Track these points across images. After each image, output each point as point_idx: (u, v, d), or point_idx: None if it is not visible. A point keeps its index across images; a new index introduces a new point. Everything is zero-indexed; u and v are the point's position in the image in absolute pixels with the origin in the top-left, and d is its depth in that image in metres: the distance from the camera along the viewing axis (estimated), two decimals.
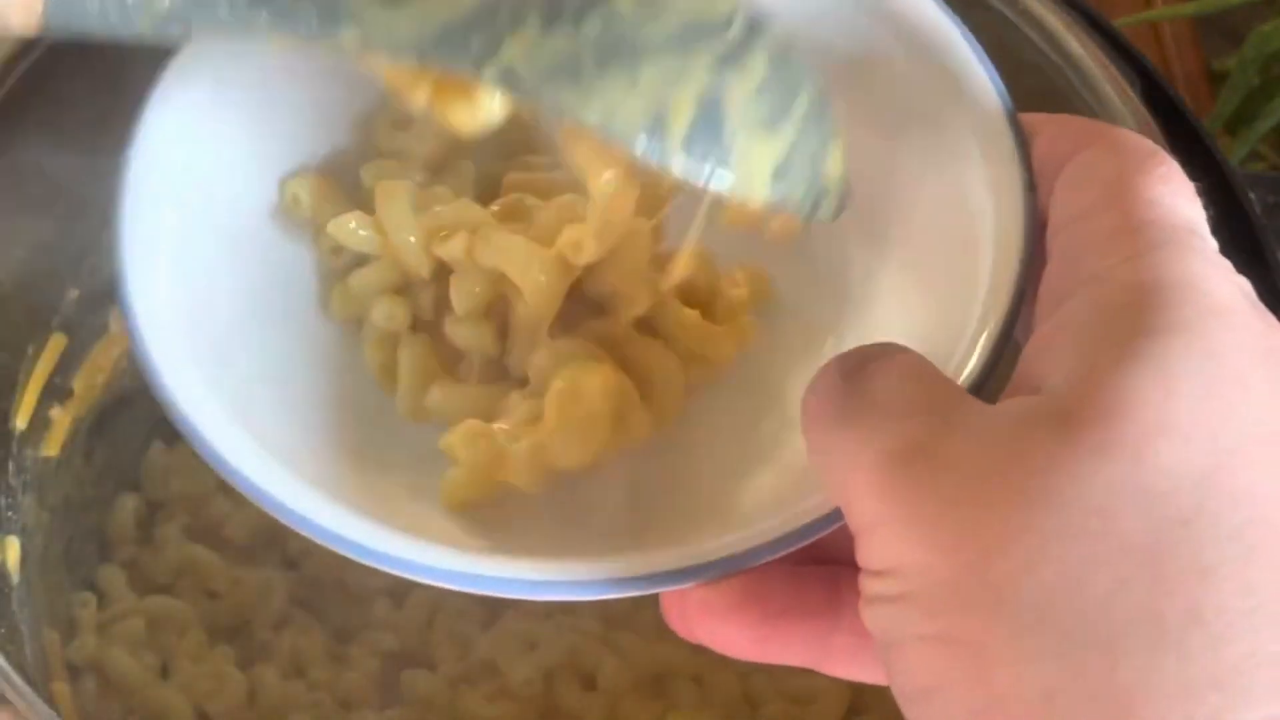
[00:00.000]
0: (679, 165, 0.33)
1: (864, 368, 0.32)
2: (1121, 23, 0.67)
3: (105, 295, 0.54)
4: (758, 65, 0.34)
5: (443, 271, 0.40)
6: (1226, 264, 0.31)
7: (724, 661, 0.55)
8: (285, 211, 0.41)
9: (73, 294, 0.56)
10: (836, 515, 0.33)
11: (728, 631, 0.34)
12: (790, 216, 0.37)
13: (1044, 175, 0.35)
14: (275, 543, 0.61)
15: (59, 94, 0.51)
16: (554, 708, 0.58)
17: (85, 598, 0.59)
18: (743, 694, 0.58)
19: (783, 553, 0.34)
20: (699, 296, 0.41)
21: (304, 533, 0.34)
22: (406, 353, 0.40)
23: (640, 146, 0.33)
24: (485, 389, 0.40)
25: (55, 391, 0.57)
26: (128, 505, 0.61)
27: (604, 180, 0.37)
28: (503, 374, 0.40)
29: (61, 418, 0.57)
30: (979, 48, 0.38)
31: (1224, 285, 0.30)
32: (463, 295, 0.40)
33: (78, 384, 0.57)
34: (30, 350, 0.56)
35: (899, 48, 0.39)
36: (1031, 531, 0.28)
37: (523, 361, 0.40)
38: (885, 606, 0.30)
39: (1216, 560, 0.27)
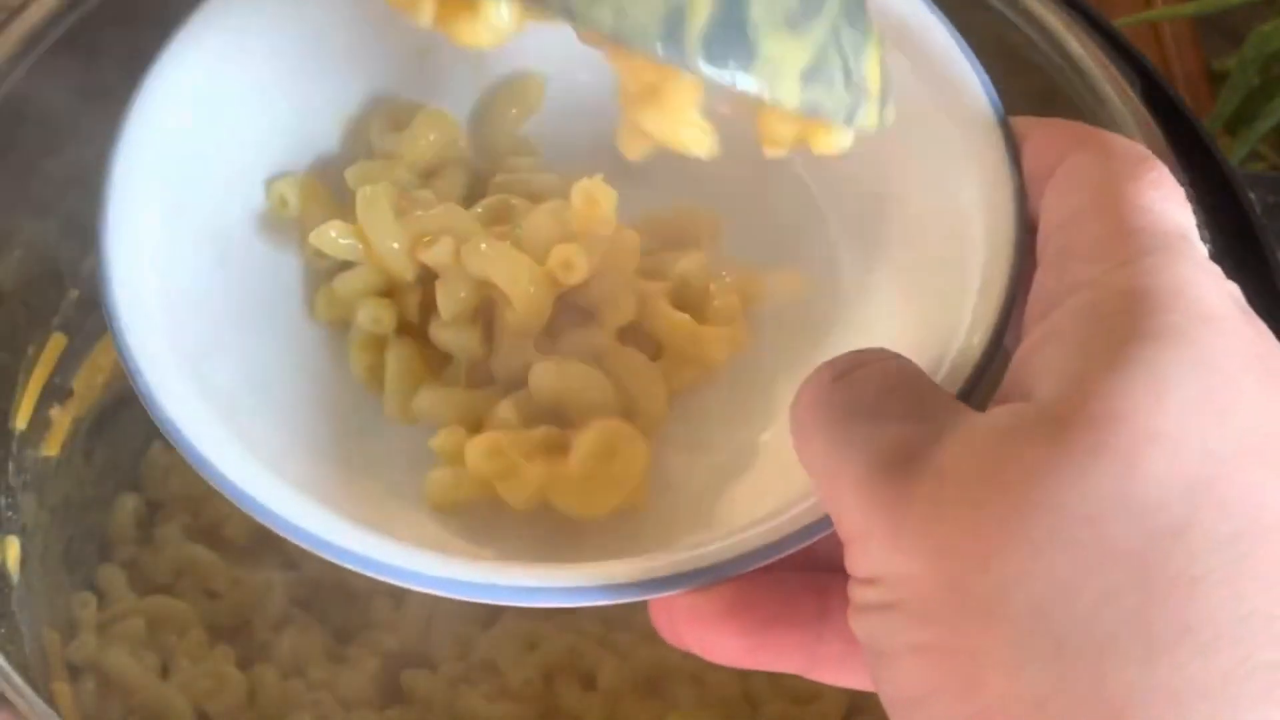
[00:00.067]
0: (699, 65, 0.31)
1: (853, 373, 0.32)
2: (1121, 23, 0.67)
3: None
4: None
5: (428, 275, 0.40)
6: (1216, 270, 0.31)
7: None
8: (272, 213, 0.41)
9: (73, 294, 0.56)
10: (826, 522, 0.33)
11: (717, 638, 0.34)
12: (827, 125, 0.34)
13: (1034, 180, 0.35)
14: (275, 543, 0.60)
15: (59, 94, 0.51)
16: (554, 708, 0.58)
17: (85, 598, 0.58)
18: (742, 694, 0.58)
19: (772, 560, 0.34)
20: (690, 299, 0.41)
21: (291, 539, 0.34)
22: (393, 356, 0.40)
23: (658, 50, 0.31)
24: (472, 393, 0.40)
25: (55, 391, 0.57)
26: (128, 505, 0.61)
27: (582, 187, 0.37)
28: (488, 377, 0.40)
29: (61, 418, 0.57)
30: (969, 51, 0.38)
31: (1214, 292, 0.30)
32: (449, 300, 0.40)
33: (78, 384, 0.57)
34: (30, 350, 0.56)
35: (889, 52, 0.39)
36: (1021, 540, 0.27)
37: (509, 366, 0.40)
38: (874, 615, 0.30)
39: (1207, 569, 0.27)
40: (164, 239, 0.38)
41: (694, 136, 0.34)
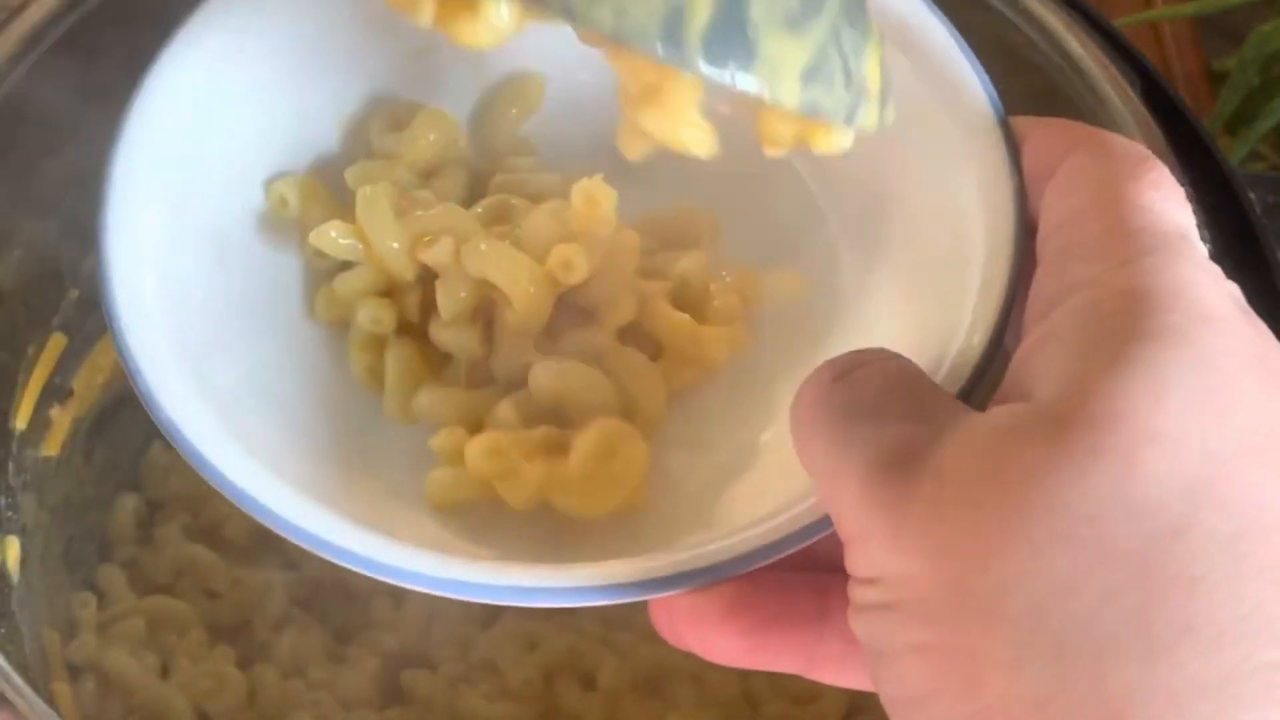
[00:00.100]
0: (701, 66, 0.31)
1: (854, 373, 0.32)
2: (1121, 23, 0.67)
3: None
4: None
5: (428, 274, 0.40)
6: (1216, 270, 0.31)
7: None
8: (272, 213, 0.41)
9: (73, 294, 0.56)
10: (826, 522, 0.33)
11: (716, 638, 0.34)
12: (827, 125, 0.34)
13: (1034, 180, 0.35)
14: (275, 543, 0.60)
15: (59, 94, 0.51)
16: (554, 708, 0.58)
17: (85, 598, 0.58)
18: (743, 694, 0.58)
19: (772, 560, 0.34)
20: (690, 299, 0.41)
21: (291, 539, 0.34)
22: (393, 356, 0.40)
23: (658, 50, 0.31)
24: (471, 393, 0.40)
25: (55, 391, 0.57)
26: (128, 505, 0.61)
27: (582, 187, 0.37)
28: (488, 376, 0.40)
29: (61, 418, 0.57)
30: (969, 51, 0.38)
31: (1214, 292, 0.30)
32: (449, 300, 0.40)
33: (78, 384, 0.57)
34: (30, 350, 0.56)
35: (889, 52, 0.39)
36: (1021, 540, 0.27)
37: (509, 366, 0.40)
38: (874, 615, 0.29)
39: (1207, 569, 0.27)
40: (164, 239, 0.38)
41: (694, 136, 0.34)
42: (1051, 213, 0.33)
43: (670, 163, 0.37)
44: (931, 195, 0.38)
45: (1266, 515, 0.27)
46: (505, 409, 0.39)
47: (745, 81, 0.32)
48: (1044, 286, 0.32)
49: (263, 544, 0.61)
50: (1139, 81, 0.52)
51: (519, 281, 0.39)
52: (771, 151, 0.35)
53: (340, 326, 0.41)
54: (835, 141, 0.35)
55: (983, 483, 0.28)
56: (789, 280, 0.41)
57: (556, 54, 0.41)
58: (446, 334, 0.40)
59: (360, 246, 0.40)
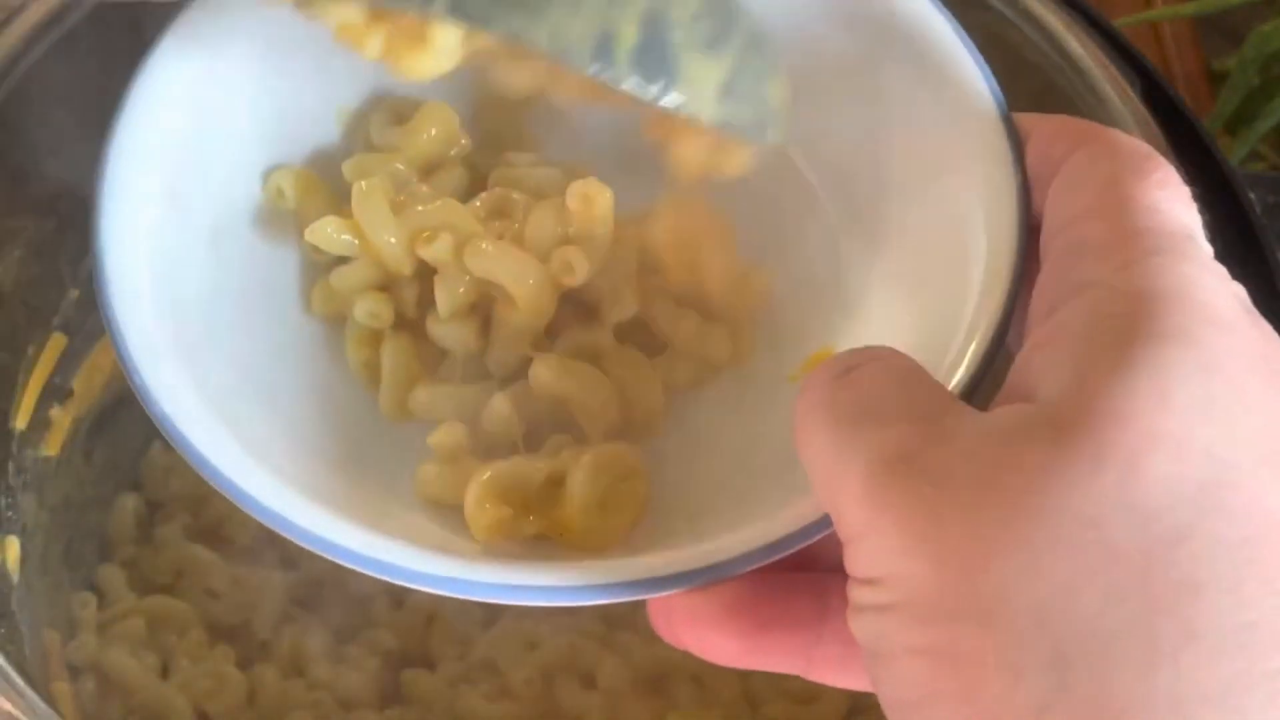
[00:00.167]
0: (630, 83, 0.35)
1: (855, 371, 0.32)
2: (1121, 23, 0.67)
3: None
4: None
5: (425, 269, 0.40)
6: (1222, 270, 0.30)
7: None
8: (268, 205, 0.41)
9: (73, 294, 0.56)
10: (825, 522, 0.33)
11: (715, 638, 0.34)
12: (739, 142, 0.37)
13: (1038, 177, 0.35)
14: (275, 543, 0.60)
15: (59, 94, 0.51)
16: (554, 708, 0.58)
17: (85, 598, 0.58)
18: (743, 693, 0.58)
19: (771, 560, 0.34)
20: (692, 296, 0.41)
21: (285, 535, 0.34)
22: (389, 352, 0.40)
23: (592, 66, 0.34)
24: (468, 389, 0.40)
25: (55, 391, 0.57)
26: (128, 505, 0.61)
27: (577, 188, 0.37)
28: (484, 372, 0.40)
29: (61, 418, 0.57)
30: (973, 47, 0.38)
31: (1221, 293, 0.30)
32: (447, 296, 0.39)
33: (78, 384, 0.57)
34: (30, 350, 0.56)
35: (892, 47, 0.39)
36: (1023, 543, 0.27)
37: (505, 362, 0.40)
38: (873, 616, 0.29)
39: (1212, 575, 0.27)
40: (159, 231, 0.37)
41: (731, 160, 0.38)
42: (1056, 211, 0.33)
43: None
44: (934, 192, 0.38)
45: (1272, 520, 0.27)
46: (501, 404, 0.39)
47: (670, 97, 0.35)
48: (1048, 286, 0.31)
49: (263, 544, 0.61)
50: (1139, 81, 0.52)
51: (525, 282, 0.38)
52: (683, 177, 0.38)
53: (337, 321, 0.41)
54: (739, 164, 0.38)
55: (984, 484, 0.28)
56: (789, 279, 0.41)
57: None
58: (443, 329, 0.40)
59: (356, 241, 0.40)
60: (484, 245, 0.39)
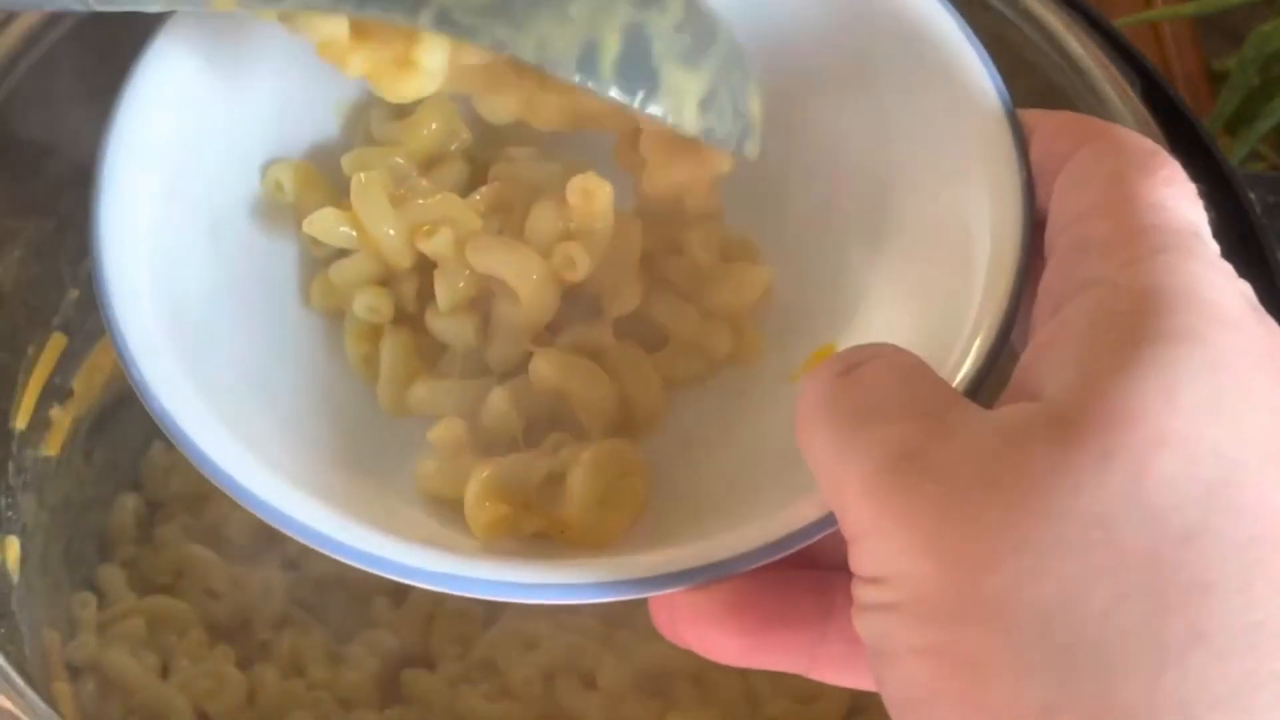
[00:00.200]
0: (613, 92, 0.35)
1: (860, 368, 0.31)
2: (1121, 23, 0.67)
3: None
4: (674, 5, 0.36)
5: (425, 263, 0.40)
6: (1229, 268, 0.30)
7: None
8: (267, 198, 0.40)
9: (73, 294, 0.56)
10: (829, 520, 0.33)
11: (717, 637, 0.34)
12: (717, 156, 0.38)
13: (1042, 174, 0.35)
14: (275, 543, 0.60)
15: (59, 93, 0.51)
16: (554, 708, 0.58)
17: (85, 598, 0.58)
18: (743, 693, 0.58)
19: (774, 558, 0.33)
20: (695, 291, 0.41)
21: (284, 530, 0.34)
22: (388, 347, 0.40)
23: (576, 76, 0.35)
24: (467, 384, 0.40)
25: (55, 391, 0.57)
26: (128, 505, 0.61)
27: (577, 183, 0.37)
28: (484, 367, 0.40)
29: (61, 418, 0.57)
30: (978, 43, 0.38)
31: (1227, 291, 0.29)
32: (448, 291, 0.39)
33: (78, 384, 0.57)
34: (30, 350, 0.56)
35: (896, 44, 0.39)
36: (1030, 543, 0.27)
37: (505, 356, 0.40)
38: (878, 615, 0.29)
39: (1221, 576, 0.27)
40: (157, 224, 0.37)
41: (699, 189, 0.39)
42: (1061, 208, 0.33)
43: None
44: (938, 188, 0.38)
45: (1278, 519, 0.27)
46: (501, 399, 0.39)
47: (652, 106, 0.36)
48: (1053, 283, 0.31)
49: (263, 544, 0.61)
50: (1139, 81, 0.52)
51: (528, 279, 0.38)
52: (653, 200, 0.39)
53: (336, 315, 0.41)
54: (707, 194, 0.39)
55: (991, 483, 0.28)
56: (792, 275, 0.41)
57: None
58: (443, 323, 0.40)
59: (355, 234, 0.40)
60: (487, 241, 0.39)
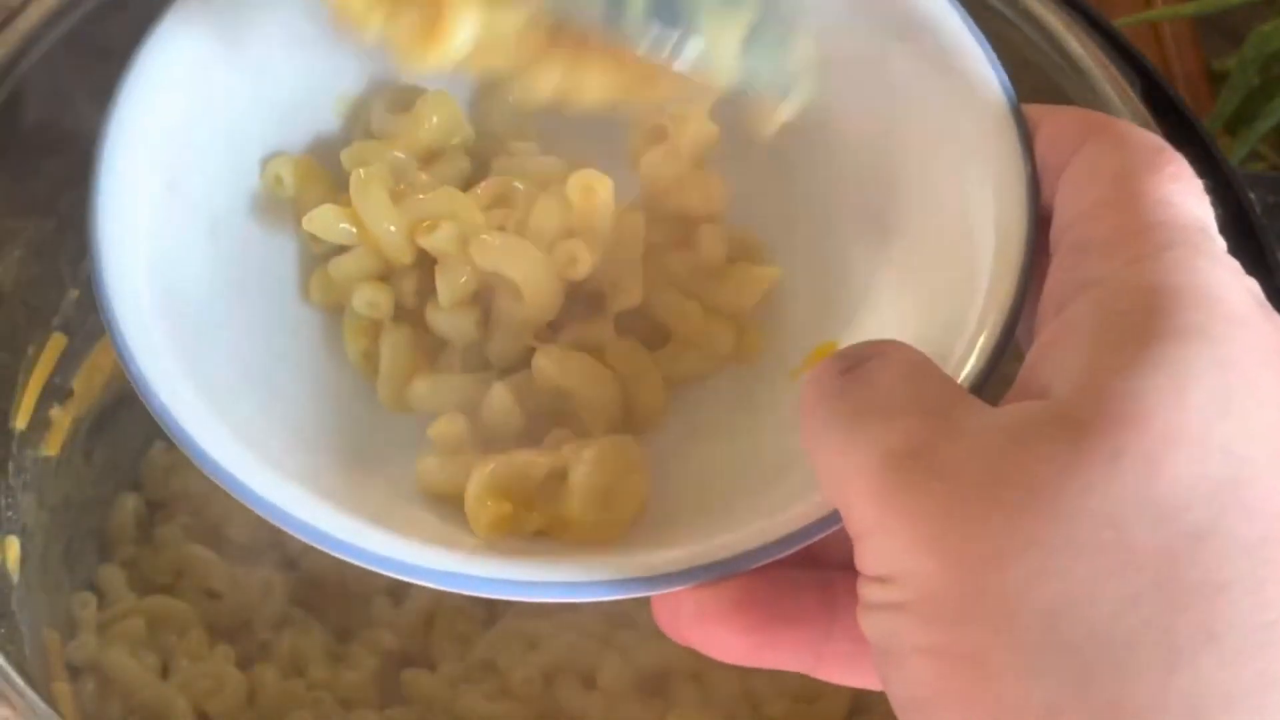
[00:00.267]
0: (649, 35, 0.34)
1: (864, 365, 0.31)
2: (1121, 23, 0.67)
3: None
4: None
5: (425, 258, 0.40)
6: (1236, 265, 0.30)
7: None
8: (267, 193, 0.40)
9: (73, 294, 0.56)
10: (834, 518, 0.33)
11: (721, 636, 0.34)
12: (763, 100, 0.37)
13: (1047, 170, 0.35)
14: (275, 543, 0.60)
15: (59, 94, 0.51)
16: (554, 708, 0.58)
17: (85, 598, 0.58)
18: (744, 693, 0.58)
19: (778, 556, 0.33)
20: (698, 288, 0.40)
21: (285, 528, 0.34)
22: (388, 342, 0.40)
23: (606, 19, 0.33)
24: (468, 379, 0.40)
25: (55, 391, 0.56)
26: (128, 505, 0.61)
27: (578, 179, 0.37)
28: (484, 362, 0.40)
29: (61, 418, 0.57)
30: (984, 40, 0.38)
31: (1234, 289, 0.29)
32: (449, 286, 0.39)
33: (78, 384, 0.57)
34: (30, 350, 0.55)
35: (902, 39, 0.38)
36: (1038, 543, 0.27)
37: (505, 352, 0.39)
38: (883, 614, 0.29)
39: (1231, 576, 0.26)
40: (156, 219, 0.37)
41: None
42: (1066, 204, 0.33)
43: None
44: (943, 184, 0.37)
45: None
46: (502, 394, 0.38)
47: (691, 49, 0.34)
48: (1058, 280, 0.31)
49: (263, 544, 0.61)
50: (1139, 81, 0.52)
51: (533, 276, 0.38)
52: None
53: (336, 311, 0.41)
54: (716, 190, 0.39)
55: (998, 482, 0.28)
56: (795, 272, 0.41)
57: None
58: (444, 319, 0.40)
59: (355, 230, 0.39)
60: (490, 238, 0.39)
